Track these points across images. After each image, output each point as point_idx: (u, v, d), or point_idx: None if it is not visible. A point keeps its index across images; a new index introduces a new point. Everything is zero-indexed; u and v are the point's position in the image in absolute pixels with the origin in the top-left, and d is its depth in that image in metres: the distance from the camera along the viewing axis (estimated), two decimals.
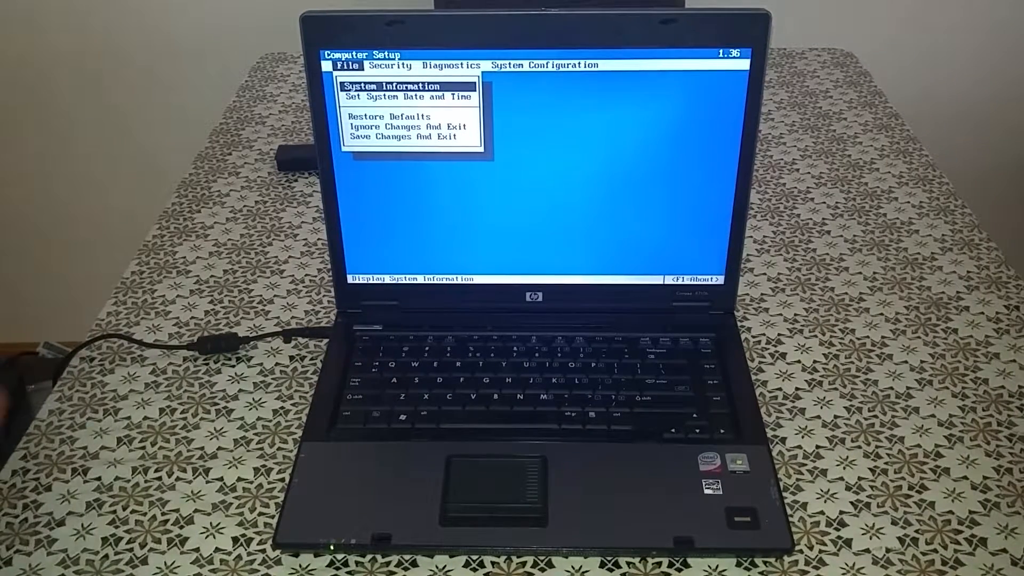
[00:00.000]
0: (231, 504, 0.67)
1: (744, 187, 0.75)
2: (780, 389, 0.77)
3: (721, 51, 0.70)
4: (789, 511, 0.65)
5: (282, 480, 0.68)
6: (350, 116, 0.74)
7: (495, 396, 0.72)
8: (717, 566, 0.62)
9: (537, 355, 0.76)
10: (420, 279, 0.80)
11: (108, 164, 1.83)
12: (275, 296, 0.88)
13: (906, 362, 0.79)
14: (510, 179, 0.76)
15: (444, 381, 0.74)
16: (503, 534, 0.63)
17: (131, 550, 0.63)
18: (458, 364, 0.75)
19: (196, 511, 0.66)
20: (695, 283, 0.79)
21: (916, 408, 0.74)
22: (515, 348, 0.76)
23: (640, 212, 0.78)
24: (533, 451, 0.68)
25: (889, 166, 1.08)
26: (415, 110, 0.73)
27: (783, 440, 0.72)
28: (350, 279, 0.80)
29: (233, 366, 0.79)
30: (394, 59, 0.72)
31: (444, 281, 0.80)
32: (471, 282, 0.80)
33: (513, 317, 0.80)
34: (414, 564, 0.62)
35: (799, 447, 0.71)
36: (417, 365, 0.76)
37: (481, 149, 0.75)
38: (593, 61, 0.71)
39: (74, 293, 1.92)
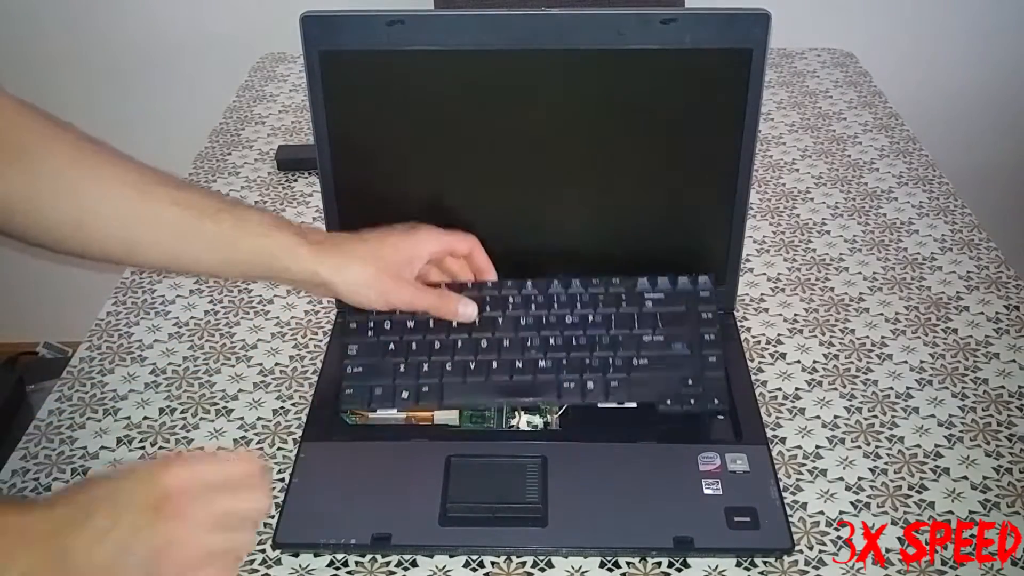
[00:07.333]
0: None
1: (744, 187, 0.75)
2: (780, 389, 0.76)
3: (721, 50, 0.70)
4: (789, 511, 0.65)
5: (282, 480, 0.68)
6: None
7: (494, 364, 0.70)
8: (717, 566, 0.62)
9: (537, 320, 0.73)
10: None
11: None
12: (275, 296, 0.88)
13: (906, 362, 0.79)
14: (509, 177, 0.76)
15: (442, 347, 0.71)
16: (503, 534, 0.63)
17: None
18: (453, 335, 0.72)
19: None
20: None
21: (916, 408, 0.74)
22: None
23: (639, 212, 0.78)
24: (533, 451, 0.68)
25: (889, 166, 1.08)
26: None
27: (783, 440, 0.72)
28: None
29: (233, 366, 0.79)
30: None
31: None
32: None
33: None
34: (414, 564, 0.62)
35: (799, 447, 0.71)
36: (414, 328, 0.72)
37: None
38: (593, 57, 0.71)
39: (74, 293, 1.92)
